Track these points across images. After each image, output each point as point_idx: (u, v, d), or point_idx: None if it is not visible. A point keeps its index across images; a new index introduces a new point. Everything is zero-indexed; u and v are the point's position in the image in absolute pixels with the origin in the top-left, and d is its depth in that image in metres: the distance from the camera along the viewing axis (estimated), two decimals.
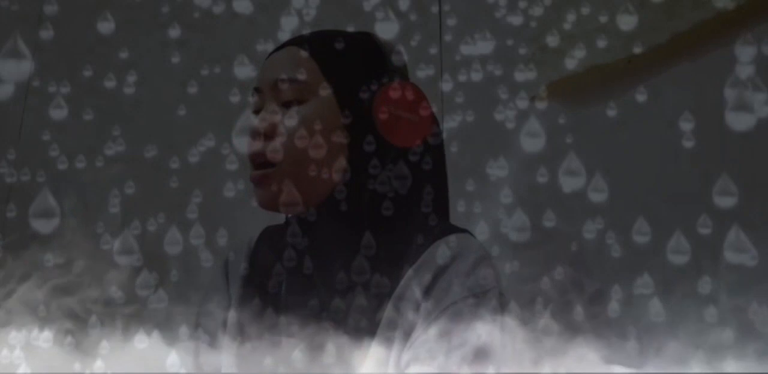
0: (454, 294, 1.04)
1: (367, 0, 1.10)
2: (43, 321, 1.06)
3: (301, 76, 1.11)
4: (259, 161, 1.11)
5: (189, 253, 1.03)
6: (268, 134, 1.10)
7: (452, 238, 1.09)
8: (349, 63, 1.12)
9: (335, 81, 1.11)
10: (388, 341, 1.05)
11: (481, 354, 1.00)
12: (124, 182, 1.27)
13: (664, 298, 0.99)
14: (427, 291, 1.05)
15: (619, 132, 1.89)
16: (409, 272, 1.07)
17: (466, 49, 1.14)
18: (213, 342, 1.16)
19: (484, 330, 1.01)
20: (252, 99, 1.15)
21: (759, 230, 0.87)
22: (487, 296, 1.05)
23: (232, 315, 1.16)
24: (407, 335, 1.05)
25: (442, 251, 1.07)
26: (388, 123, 1.10)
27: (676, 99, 1.80)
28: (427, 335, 1.03)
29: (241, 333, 1.13)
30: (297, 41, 1.14)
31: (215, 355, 1.14)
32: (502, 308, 1.05)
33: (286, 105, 1.11)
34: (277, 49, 1.16)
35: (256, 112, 1.14)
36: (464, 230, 1.13)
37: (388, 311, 1.06)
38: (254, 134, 1.10)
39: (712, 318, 0.98)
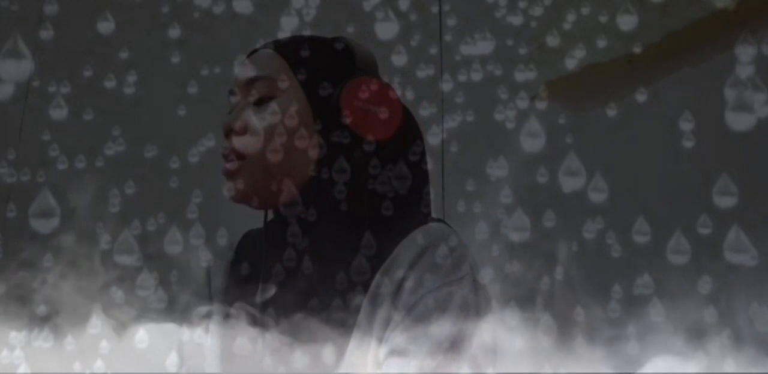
0: (427, 284, 1.04)
1: (367, 0, 1.10)
2: (43, 321, 1.06)
3: (272, 74, 1.13)
4: (230, 156, 1.13)
5: (189, 253, 1.03)
6: (240, 131, 1.13)
7: (424, 229, 1.09)
8: (317, 62, 1.14)
9: (304, 79, 1.13)
10: (366, 337, 1.05)
11: (456, 343, 1.00)
12: (124, 182, 1.27)
13: (664, 298, 0.99)
14: (401, 283, 1.05)
15: (619, 132, 1.89)
16: (384, 265, 1.07)
17: (466, 49, 1.14)
18: (200, 346, 1.16)
19: (458, 319, 1.01)
20: (229, 101, 1.18)
21: (759, 230, 0.87)
22: (461, 284, 1.05)
23: (215, 320, 1.16)
24: (384, 329, 1.05)
25: (414, 242, 1.07)
26: (356, 117, 1.11)
27: (676, 99, 1.80)
28: (402, 326, 1.03)
29: (226, 338, 1.13)
30: (268, 45, 1.18)
31: (201, 359, 1.15)
32: (477, 295, 1.05)
33: (259, 103, 1.13)
34: (251, 53, 1.19)
35: (231, 112, 1.16)
36: (438, 220, 1.13)
37: (364, 306, 1.06)
38: (227, 131, 1.14)
39: (712, 318, 0.98)
